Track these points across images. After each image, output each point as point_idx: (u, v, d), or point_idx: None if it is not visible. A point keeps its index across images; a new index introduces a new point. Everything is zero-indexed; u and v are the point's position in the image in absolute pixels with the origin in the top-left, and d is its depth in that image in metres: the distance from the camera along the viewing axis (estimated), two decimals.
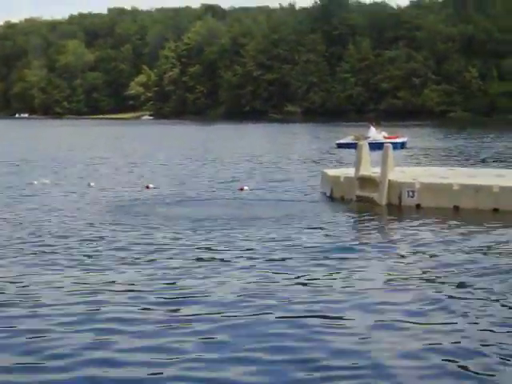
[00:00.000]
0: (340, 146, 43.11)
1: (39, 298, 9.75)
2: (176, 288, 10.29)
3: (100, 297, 9.77)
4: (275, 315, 8.86)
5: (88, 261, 12.05)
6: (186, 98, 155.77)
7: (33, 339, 8.04)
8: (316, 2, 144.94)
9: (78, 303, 9.49)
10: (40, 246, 13.44)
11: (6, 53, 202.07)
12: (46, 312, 9.11)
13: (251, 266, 11.52)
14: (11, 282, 10.66)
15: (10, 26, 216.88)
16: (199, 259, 12.03)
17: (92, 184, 24.66)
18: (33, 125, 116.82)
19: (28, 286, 10.42)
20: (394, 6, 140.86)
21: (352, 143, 37.49)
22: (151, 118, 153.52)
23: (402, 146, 41.13)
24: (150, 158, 37.85)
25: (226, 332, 8.22)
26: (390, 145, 19.93)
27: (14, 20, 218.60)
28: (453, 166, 27.35)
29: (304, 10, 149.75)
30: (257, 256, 12.24)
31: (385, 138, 40.36)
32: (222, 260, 12.03)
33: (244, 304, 9.31)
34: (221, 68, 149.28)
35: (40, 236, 14.49)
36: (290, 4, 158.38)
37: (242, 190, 22.65)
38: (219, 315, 8.82)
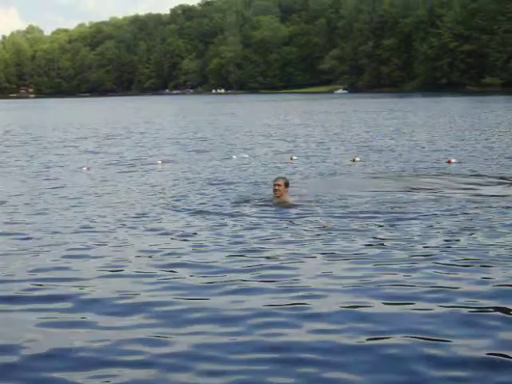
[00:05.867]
0: None
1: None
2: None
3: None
4: None
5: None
6: (381, 71, 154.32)
7: None
8: None
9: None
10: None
11: (203, 30, 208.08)
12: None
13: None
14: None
15: (206, 3, 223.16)
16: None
17: (295, 158, 24.55)
18: (231, 100, 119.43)
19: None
20: None
21: None
22: (345, 91, 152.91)
23: None
24: (350, 132, 37.66)
25: None
26: None
27: None
28: None
29: None
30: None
31: None
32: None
33: None
34: (416, 40, 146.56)
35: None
36: None
37: (449, 162, 21.91)
38: None
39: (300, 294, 8.19)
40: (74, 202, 15.51)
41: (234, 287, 8.59)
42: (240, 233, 11.70)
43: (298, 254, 10.19)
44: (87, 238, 11.61)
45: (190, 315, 7.59)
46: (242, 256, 10.15)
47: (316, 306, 7.77)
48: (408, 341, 6.69)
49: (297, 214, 13.36)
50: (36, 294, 8.52)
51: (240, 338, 6.91)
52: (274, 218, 12.96)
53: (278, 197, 14.42)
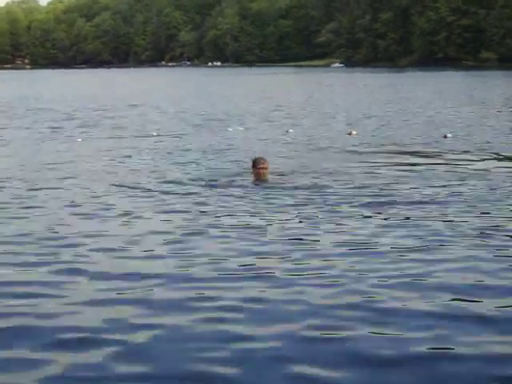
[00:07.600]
0: None
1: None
2: None
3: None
4: None
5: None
6: (378, 45, 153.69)
7: None
8: None
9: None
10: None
11: (199, 1, 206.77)
12: None
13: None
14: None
15: None
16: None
17: (290, 131, 24.47)
18: (229, 73, 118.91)
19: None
20: None
21: None
22: (341, 65, 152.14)
23: None
24: (349, 106, 37.57)
25: None
26: None
27: None
28: None
29: None
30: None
31: None
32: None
33: None
34: (413, 14, 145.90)
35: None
36: None
37: (445, 137, 21.82)
38: None
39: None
40: (61, 174, 15.40)
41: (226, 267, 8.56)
42: (219, 209, 11.34)
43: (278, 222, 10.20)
44: (70, 211, 11.47)
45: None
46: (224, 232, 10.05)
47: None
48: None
49: (277, 189, 12.89)
50: None
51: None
52: (258, 197, 12.37)
53: (264, 180, 13.45)
